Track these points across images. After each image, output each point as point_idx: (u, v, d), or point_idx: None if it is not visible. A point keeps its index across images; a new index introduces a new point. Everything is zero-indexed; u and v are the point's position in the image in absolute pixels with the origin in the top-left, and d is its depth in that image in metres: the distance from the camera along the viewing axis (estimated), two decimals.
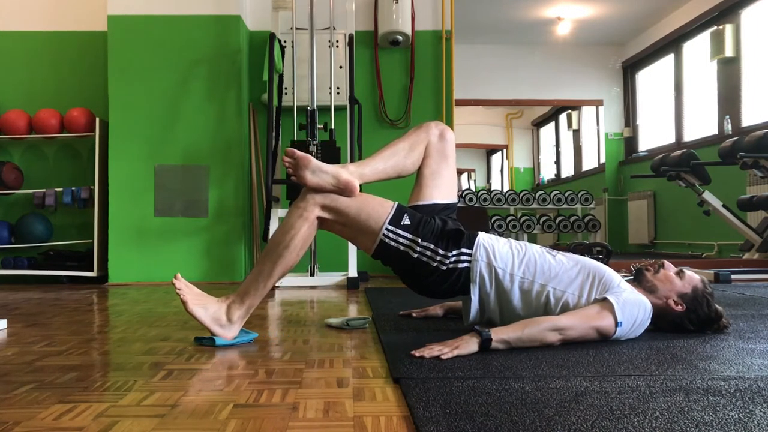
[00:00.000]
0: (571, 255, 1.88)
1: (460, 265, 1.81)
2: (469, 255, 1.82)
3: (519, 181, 8.10)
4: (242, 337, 1.86)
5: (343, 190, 1.79)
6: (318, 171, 1.78)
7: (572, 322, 1.67)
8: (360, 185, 1.82)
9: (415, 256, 1.80)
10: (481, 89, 7.28)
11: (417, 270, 1.82)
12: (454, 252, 1.81)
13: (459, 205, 6.47)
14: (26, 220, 4.29)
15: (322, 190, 1.80)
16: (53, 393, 1.29)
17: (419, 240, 1.80)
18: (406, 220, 1.81)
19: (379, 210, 1.82)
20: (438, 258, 1.80)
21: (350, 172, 1.81)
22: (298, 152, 1.79)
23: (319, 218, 1.82)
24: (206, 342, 1.83)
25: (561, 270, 1.80)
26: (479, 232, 1.88)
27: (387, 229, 1.80)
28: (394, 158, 1.91)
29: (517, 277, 1.80)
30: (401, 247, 1.81)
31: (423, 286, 1.88)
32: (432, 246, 1.80)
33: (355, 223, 1.82)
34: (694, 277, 1.87)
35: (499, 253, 1.82)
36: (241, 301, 1.83)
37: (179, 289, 1.79)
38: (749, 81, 5.55)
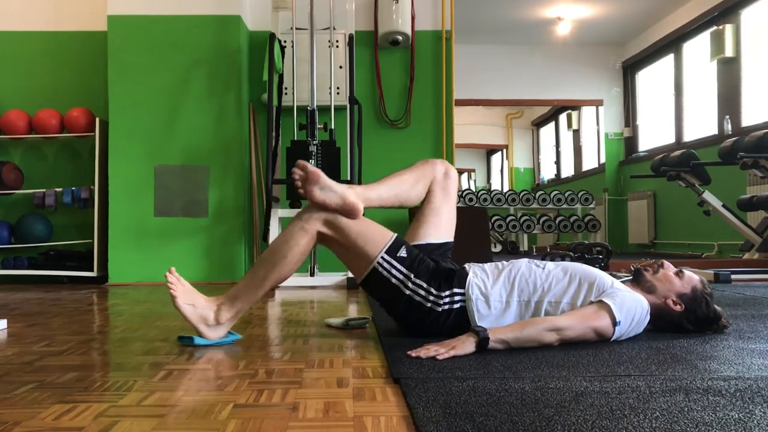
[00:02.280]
0: (558, 263, 1.88)
1: (455, 306, 1.80)
2: (462, 294, 1.80)
3: (519, 181, 8.11)
4: (224, 337, 1.84)
5: (347, 211, 1.78)
6: (326, 189, 1.76)
7: (570, 322, 1.67)
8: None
9: (407, 292, 1.79)
10: (481, 89, 7.29)
11: (409, 309, 1.80)
12: (447, 292, 1.79)
13: (459, 205, 6.48)
14: (26, 220, 4.29)
15: (326, 208, 1.78)
16: (53, 393, 1.29)
17: (412, 276, 1.79)
18: (402, 253, 1.80)
19: (378, 238, 1.81)
20: (431, 298, 1.79)
21: (357, 194, 1.79)
22: (310, 167, 1.76)
23: (320, 233, 1.81)
24: (186, 342, 1.83)
25: (553, 282, 1.80)
26: (470, 269, 1.86)
27: (382, 257, 1.78)
28: (399, 188, 1.90)
29: (514, 302, 1.79)
30: (393, 279, 1.79)
31: (416, 326, 1.84)
32: (425, 285, 1.79)
33: (353, 246, 1.80)
34: (693, 277, 1.87)
35: (491, 287, 1.80)
36: (231, 305, 1.81)
37: (171, 283, 1.78)
38: (749, 81, 5.55)
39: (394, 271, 1.79)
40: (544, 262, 1.88)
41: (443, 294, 1.79)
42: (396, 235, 1.84)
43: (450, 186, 1.98)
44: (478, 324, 1.78)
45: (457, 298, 1.80)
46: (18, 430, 1.05)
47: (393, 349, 1.65)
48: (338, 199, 1.77)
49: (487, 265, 1.90)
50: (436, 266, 1.83)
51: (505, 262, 1.90)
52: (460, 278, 1.83)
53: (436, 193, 1.96)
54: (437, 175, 1.96)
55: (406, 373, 1.38)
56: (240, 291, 1.82)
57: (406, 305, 1.80)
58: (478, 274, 1.84)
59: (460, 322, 1.80)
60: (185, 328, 2.16)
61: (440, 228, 1.96)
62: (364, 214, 1.82)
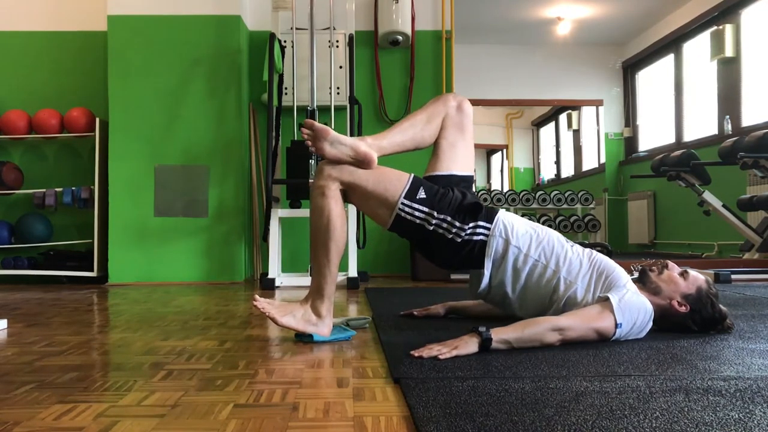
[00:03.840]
0: (585, 249, 1.89)
1: (475, 238, 1.83)
2: (487, 229, 1.84)
3: (519, 181, 8.09)
4: (338, 334, 1.89)
5: (361, 162, 1.80)
6: (336, 143, 1.79)
7: (572, 322, 1.67)
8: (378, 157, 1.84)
9: (431, 228, 1.82)
10: (481, 89, 7.28)
11: (432, 241, 1.84)
12: (471, 224, 1.83)
13: None
14: (26, 220, 4.29)
15: (339, 161, 1.81)
16: (53, 393, 1.29)
17: (435, 213, 1.82)
18: (421, 194, 1.83)
19: (396, 183, 1.83)
20: (454, 230, 1.82)
21: (368, 145, 1.82)
22: (317, 124, 1.79)
23: (341, 191, 1.83)
24: (306, 339, 1.86)
25: (576, 260, 1.82)
26: (500, 208, 1.90)
27: (402, 203, 1.81)
28: (412, 130, 1.92)
29: (531, 258, 1.82)
30: (417, 221, 1.82)
31: (436, 257, 1.90)
32: (449, 218, 1.82)
33: (373, 196, 1.83)
34: (698, 277, 1.86)
35: (517, 232, 1.84)
36: (320, 296, 1.85)
37: (262, 308, 1.80)
38: (749, 81, 5.55)
39: (416, 213, 1.82)
40: (573, 242, 1.90)
41: (466, 226, 1.82)
42: (413, 175, 1.86)
43: (464, 121, 1.98)
44: (492, 259, 1.83)
45: (479, 230, 1.83)
46: (18, 430, 1.05)
47: (393, 349, 1.65)
48: (350, 151, 1.79)
49: (523, 218, 1.93)
50: (462, 199, 1.85)
51: (539, 224, 1.93)
52: (489, 213, 1.86)
53: (449, 129, 1.96)
54: (450, 111, 1.97)
55: (406, 373, 1.38)
56: (318, 281, 1.85)
57: (429, 238, 1.84)
58: (508, 217, 1.87)
59: (477, 255, 1.83)
60: (185, 327, 2.16)
61: (459, 161, 1.97)
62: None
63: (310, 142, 1.80)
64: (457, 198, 1.84)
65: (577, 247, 1.88)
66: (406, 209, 1.82)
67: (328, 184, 1.81)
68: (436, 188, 1.86)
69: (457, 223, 1.81)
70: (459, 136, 1.97)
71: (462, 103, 1.99)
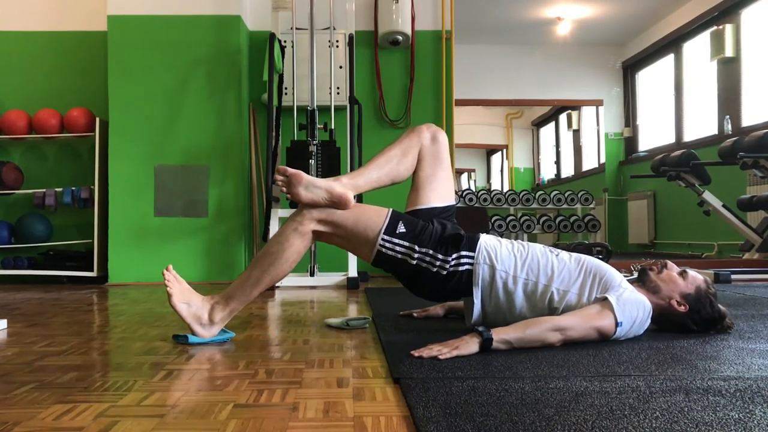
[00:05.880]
0: (573, 253, 1.88)
1: (461, 268, 1.81)
2: (471, 257, 1.82)
3: (519, 181, 8.10)
4: (218, 335, 1.85)
5: (337, 203, 1.79)
6: (311, 186, 1.78)
7: (573, 322, 1.67)
8: (354, 196, 1.83)
9: (414, 262, 1.80)
10: (481, 89, 7.28)
11: (418, 276, 1.83)
12: (454, 255, 1.81)
13: (459, 205, 6.48)
14: (26, 220, 4.29)
15: (316, 205, 1.80)
16: (53, 393, 1.29)
17: (416, 247, 1.80)
18: (401, 228, 1.81)
19: (375, 219, 1.82)
20: (438, 263, 1.80)
21: (343, 185, 1.80)
22: (290, 170, 1.79)
23: (316, 231, 1.82)
24: (181, 340, 1.83)
25: (564, 269, 1.80)
26: (481, 234, 1.88)
27: (383, 239, 1.80)
28: (388, 166, 1.91)
29: (521, 279, 1.80)
30: (399, 255, 1.80)
31: (425, 291, 1.88)
32: (431, 252, 1.80)
33: (353, 235, 1.82)
34: (697, 277, 1.86)
35: (501, 256, 1.82)
36: (226, 304, 1.83)
37: (167, 281, 1.79)
38: (749, 81, 5.55)
39: (397, 248, 1.80)
40: (558, 250, 1.89)
41: (449, 258, 1.80)
42: (391, 210, 1.85)
43: (440, 151, 1.97)
44: (481, 291, 1.81)
45: (464, 260, 1.81)
46: (18, 430, 1.05)
47: (393, 349, 1.65)
48: (325, 194, 1.79)
49: (504, 239, 1.91)
50: (442, 231, 1.83)
51: (521, 241, 1.92)
52: (470, 241, 1.84)
53: (426, 160, 1.95)
54: (425, 142, 1.96)
55: (406, 373, 1.38)
56: (235, 290, 1.83)
57: (414, 273, 1.82)
58: (490, 242, 1.86)
59: (465, 285, 1.82)
60: (185, 327, 2.16)
61: (439, 191, 1.96)
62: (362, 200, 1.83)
63: (284, 189, 1.80)
64: (437, 230, 1.83)
65: (563, 254, 1.86)
66: (387, 245, 1.80)
67: (304, 222, 1.81)
68: (416, 221, 1.84)
69: (440, 256, 1.79)
70: (437, 167, 1.96)
71: (436, 134, 1.98)
